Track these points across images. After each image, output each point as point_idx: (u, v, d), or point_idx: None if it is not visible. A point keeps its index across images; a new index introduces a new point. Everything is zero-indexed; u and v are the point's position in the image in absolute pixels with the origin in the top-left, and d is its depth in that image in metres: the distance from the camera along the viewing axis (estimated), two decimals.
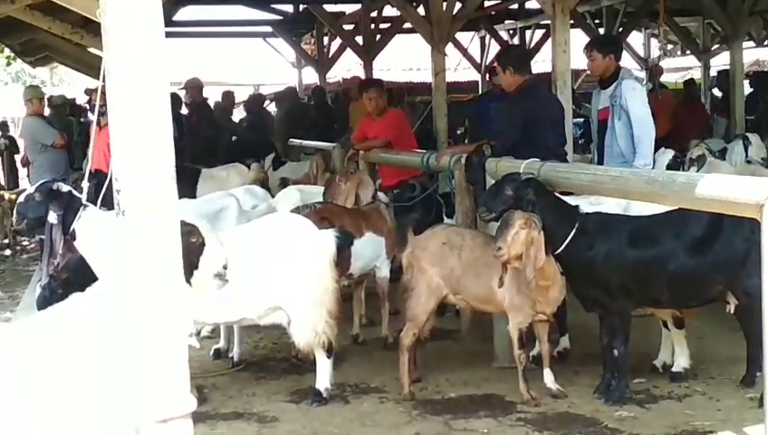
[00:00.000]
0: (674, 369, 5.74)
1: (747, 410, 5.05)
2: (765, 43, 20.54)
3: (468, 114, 12.41)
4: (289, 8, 17.64)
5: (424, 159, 7.46)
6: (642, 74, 18.28)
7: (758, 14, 17.01)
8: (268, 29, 18.63)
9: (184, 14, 16.56)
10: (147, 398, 2.66)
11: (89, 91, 12.09)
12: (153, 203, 2.65)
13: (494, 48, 19.83)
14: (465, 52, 19.30)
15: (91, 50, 11.32)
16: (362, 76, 15.50)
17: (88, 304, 3.18)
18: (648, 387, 5.58)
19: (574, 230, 5.30)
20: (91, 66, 11.40)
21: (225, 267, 4.18)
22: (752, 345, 5.25)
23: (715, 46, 18.46)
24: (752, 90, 15.30)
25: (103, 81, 2.70)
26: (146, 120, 2.64)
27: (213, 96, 15.30)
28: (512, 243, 5.03)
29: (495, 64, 7.34)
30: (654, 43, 21.56)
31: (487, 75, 14.23)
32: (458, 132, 13.93)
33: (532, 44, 18.85)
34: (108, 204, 4.58)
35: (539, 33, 18.83)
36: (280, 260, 5.33)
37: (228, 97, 14.71)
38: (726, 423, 4.92)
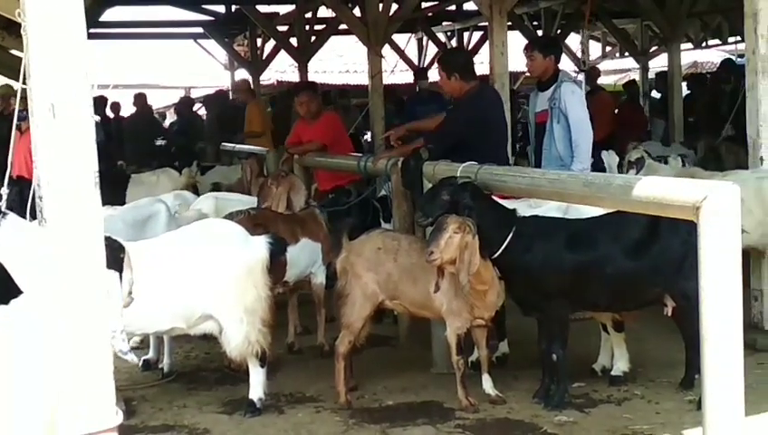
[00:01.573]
0: (613, 372, 5.72)
1: (686, 412, 5.05)
2: (703, 45, 20.87)
3: (395, 118, 12.34)
4: (221, 9, 17.43)
5: (360, 163, 7.38)
6: (580, 76, 18.42)
7: (696, 17, 17.28)
8: (199, 30, 18.42)
9: (111, 14, 16.25)
10: (71, 412, 2.57)
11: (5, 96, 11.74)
12: (76, 210, 2.57)
13: (432, 50, 19.87)
14: (402, 53, 19.25)
15: (14, 52, 11.04)
16: (297, 78, 15.42)
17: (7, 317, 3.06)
18: (587, 391, 5.56)
19: (511, 234, 5.26)
20: (13, 68, 11.10)
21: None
22: (690, 348, 5.25)
23: (654, 48, 18.70)
24: (689, 92, 15.48)
25: (24, 83, 2.60)
26: (68, 125, 2.55)
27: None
28: (445, 247, 4.95)
29: (437, 67, 7.24)
30: (593, 44, 21.79)
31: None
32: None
33: (470, 46, 18.89)
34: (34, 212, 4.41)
35: (477, 34, 18.88)
36: (210, 268, 5.18)
37: (140, 99, 14.50)
38: (665, 426, 4.90)
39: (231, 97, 16.82)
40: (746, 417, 3.65)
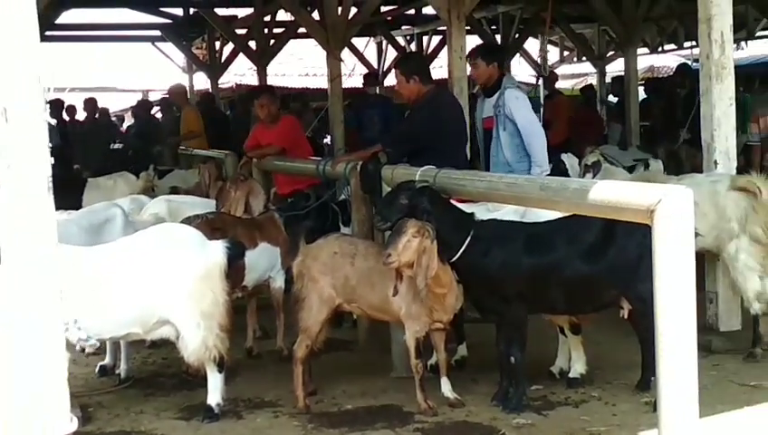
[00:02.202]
0: (570, 375, 5.75)
1: (642, 414, 5.08)
2: (659, 49, 21.08)
3: (345, 122, 12.30)
4: (179, 12, 17.31)
5: (319, 167, 7.35)
6: (538, 80, 18.53)
7: (652, 21, 17.43)
8: (157, 33, 18.28)
9: (68, 17, 16.07)
10: (23, 419, 2.51)
11: None
12: (29, 215, 2.51)
13: (392, 54, 19.88)
14: (361, 57, 19.26)
15: None
16: (255, 82, 15.36)
17: None
18: (545, 393, 5.58)
19: (469, 238, 5.27)
20: None
21: None
22: (646, 350, 5.29)
23: (611, 53, 18.85)
24: (646, 96, 15.62)
25: None
26: (21, 129, 2.50)
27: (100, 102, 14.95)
28: (403, 251, 4.96)
29: (395, 71, 7.25)
30: (551, 49, 21.90)
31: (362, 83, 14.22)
32: None
33: (430, 50, 18.94)
34: None
35: (436, 39, 18.92)
36: (167, 272, 5.15)
37: (90, 104, 14.37)
38: (622, 428, 4.93)
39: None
40: (701, 418, 3.69)
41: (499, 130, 6.86)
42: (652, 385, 4.88)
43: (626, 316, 5.36)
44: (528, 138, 6.74)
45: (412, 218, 5.13)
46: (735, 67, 6.67)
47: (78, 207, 7.40)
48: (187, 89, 12.42)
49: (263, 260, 6.55)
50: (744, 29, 16.68)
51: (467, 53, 7.31)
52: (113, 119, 17.76)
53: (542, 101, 10.03)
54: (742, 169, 6.88)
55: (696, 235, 4.11)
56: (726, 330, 6.62)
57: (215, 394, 5.36)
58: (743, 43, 18.73)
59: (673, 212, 3.56)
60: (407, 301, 5.27)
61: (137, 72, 23.45)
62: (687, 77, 12.34)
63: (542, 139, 6.86)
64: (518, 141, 6.80)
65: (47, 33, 15.34)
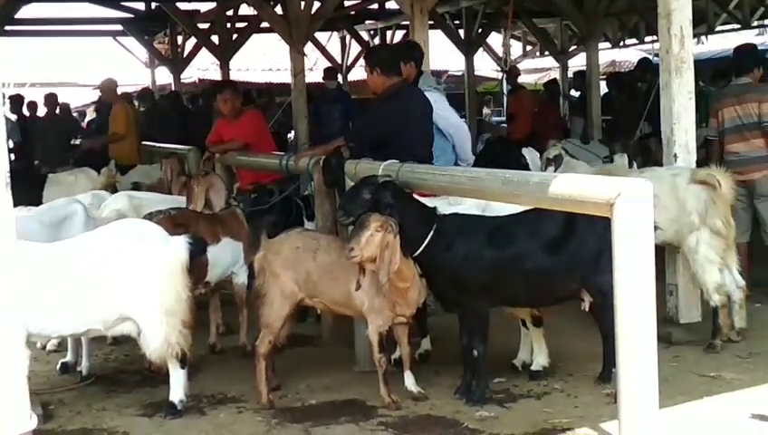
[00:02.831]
0: (533, 367, 5.78)
1: (604, 405, 5.12)
2: (621, 44, 21.23)
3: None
4: (141, 6, 17.19)
5: (282, 162, 7.33)
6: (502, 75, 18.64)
7: (613, 16, 17.57)
8: (119, 27, 18.14)
9: (29, 11, 15.90)
10: None
11: None
12: None
13: (355, 49, 19.88)
14: (324, 51, 19.24)
15: None
16: (219, 77, 15.29)
17: None
18: (507, 386, 5.61)
19: (432, 232, 5.28)
20: None
21: None
22: (607, 342, 5.33)
23: (573, 47, 18.97)
24: (607, 90, 15.74)
25: None
26: None
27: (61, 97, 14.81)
28: (366, 245, 4.97)
29: (364, 63, 7.24)
30: (513, 44, 22.01)
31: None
32: None
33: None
34: None
35: (400, 33, 18.94)
36: (128, 268, 5.11)
37: (50, 99, 14.24)
38: (584, 419, 4.97)
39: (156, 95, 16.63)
40: (661, 409, 3.73)
41: None
42: (613, 377, 4.90)
43: (587, 309, 5.40)
44: (459, 140, 6.92)
45: (375, 213, 5.14)
46: (696, 61, 6.74)
47: (38, 203, 7.33)
48: (115, 83, 12.07)
49: (225, 255, 6.52)
50: (704, 24, 16.84)
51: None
52: (74, 114, 17.60)
53: (504, 96, 10.10)
54: (702, 163, 6.95)
55: (656, 228, 4.16)
56: (687, 322, 6.68)
57: (177, 391, 5.33)
58: (703, 38, 18.92)
59: (632, 205, 3.61)
60: (369, 295, 5.27)
61: (98, 67, 23.23)
62: (648, 71, 12.44)
63: (466, 133, 6.99)
64: (443, 139, 6.89)
65: (7, 27, 15.20)
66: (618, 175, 6.01)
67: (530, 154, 8.49)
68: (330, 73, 14.34)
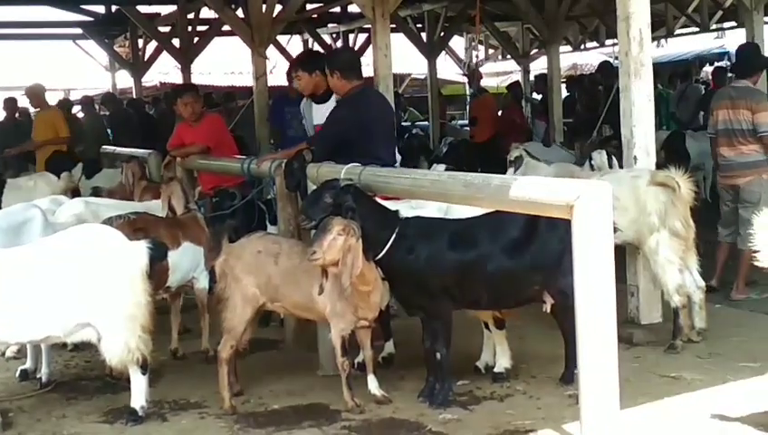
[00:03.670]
0: (496, 369, 5.80)
1: (566, 407, 5.14)
2: (582, 47, 21.41)
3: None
4: (100, 9, 17.04)
5: (244, 166, 7.30)
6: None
7: (574, 19, 17.70)
8: (78, 31, 17.98)
9: None
10: None
11: None
12: None
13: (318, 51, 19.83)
14: (287, 55, 19.18)
15: None
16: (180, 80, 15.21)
17: None
18: (471, 389, 5.63)
19: (394, 235, 5.29)
20: None
21: None
22: (569, 344, 5.36)
23: (534, 51, 19.09)
24: (569, 93, 15.86)
25: None
26: None
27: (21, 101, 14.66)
28: (328, 248, 4.96)
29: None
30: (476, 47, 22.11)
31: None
32: None
33: (356, 48, 18.94)
34: None
35: (362, 36, 18.94)
36: (87, 274, 5.07)
37: (10, 103, 14.09)
38: (546, 421, 5.00)
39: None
40: (622, 410, 3.77)
41: None
42: (575, 378, 4.93)
43: (548, 311, 5.43)
44: None
45: (338, 217, 5.13)
46: (655, 64, 6.80)
47: None
48: (43, 89, 11.90)
49: (186, 260, 6.48)
50: (663, 27, 17.03)
51: (291, 66, 7.41)
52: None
53: (467, 99, 10.16)
54: (661, 164, 7.02)
55: (615, 229, 4.19)
56: (647, 322, 6.74)
57: (139, 397, 5.30)
58: (662, 41, 19.13)
59: (591, 207, 3.65)
60: (332, 299, 5.27)
61: (58, 70, 23.04)
62: (609, 74, 12.55)
63: None
64: None
65: None
66: (579, 177, 6.07)
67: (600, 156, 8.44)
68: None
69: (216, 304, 5.63)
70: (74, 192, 8.71)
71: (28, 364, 6.28)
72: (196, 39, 16.03)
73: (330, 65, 6.67)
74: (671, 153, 10.17)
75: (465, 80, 20.20)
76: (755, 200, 7.22)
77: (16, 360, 6.57)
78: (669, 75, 16.42)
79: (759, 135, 7.26)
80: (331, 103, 7.04)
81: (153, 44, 17.25)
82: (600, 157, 8.25)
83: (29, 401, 5.85)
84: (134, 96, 17.09)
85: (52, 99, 16.63)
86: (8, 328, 5.03)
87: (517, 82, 17.96)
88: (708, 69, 19.67)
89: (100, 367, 6.03)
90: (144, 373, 5.27)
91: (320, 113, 7.14)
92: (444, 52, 19.42)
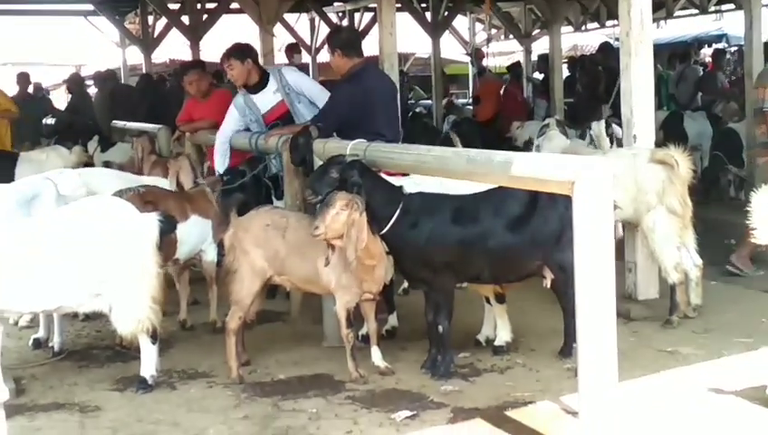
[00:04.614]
0: (496, 343, 5.89)
1: (565, 379, 5.22)
2: (583, 28, 21.36)
3: None
4: None
5: (252, 141, 7.37)
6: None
7: (576, 0, 17.69)
8: (89, 7, 17.96)
9: None
10: None
11: None
12: None
13: (324, 30, 19.83)
14: (294, 33, 19.20)
15: None
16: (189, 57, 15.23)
17: None
18: (471, 361, 5.71)
19: (398, 210, 5.37)
20: None
21: None
22: (567, 317, 5.44)
23: (536, 31, 19.07)
24: (570, 73, 15.90)
25: None
26: None
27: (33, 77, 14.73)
28: (331, 223, 5.05)
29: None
30: (479, 27, 22.08)
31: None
32: None
33: (362, 27, 18.94)
34: None
35: (368, 15, 18.94)
36: (99, 245, 5.15)
37: (23, 78, 14.15)
38: (545, 393, 5.08)
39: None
40: (619, 382, 3.86)
41: (295, 107, 7.26)
42: (574, 352, 5.03)
43: (548, 286, 5.51)
44: (321, 96, 7.16)
45: (342, 191, 5.22)
46: (655, 45, 6.87)
47: (10, 181, 7.33)
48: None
49: (194, 233, 6.58)
50: (663, 9, 17.02)
51: (223, 57, 7.53)
52: (47, 94, 17.48)
53: (470, 79, 10.23)
54: (660, 143, 7.10)
55: (615, 207, 4.28)
56: (645, 298, 6.82)
57: (148, 366, 5.40)
58: (662, 23, 19.11)
59: (592, 184, 3.70)
60: (337, 273, 5.35)
61: (70, 46, 23.05)
62: (609, 55, 12.62)
63: (327, 94, 7.16)
64: (315, 108, 7.13)
65: None
66: (580, 154, 6.15)
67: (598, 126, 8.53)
68: (293, 49, 14.32)
69: (225, 276, 5.71)
70: (87, 166, 8.79)
71: (41, 333, 6.40)
72: (204, 16, 16.05)
73: (333, 44, 6.77)
74: (669, 134, 10.22)
75: (469, 59, 20.17)
76: None
77: (29, 329, 6.66)
78: (668, 56, 16.46)
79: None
80: (269, 88, 7.30)
81: (163, 21, 17.24)
82: (598, 126, 8.31)
83: (41, 368, 5.95)
84: (144, 72, 17.10)
85: (64, 74, 16.73)
86: (22, 298, 5.10)
87: (518, 62, 17.97)
88: (707, 51, 19.71)
89: (110, 337, 6.13)
90: (154, 343, 5.37)
91: (262, 100, 7.37)
92: (447, 31, 19.41)
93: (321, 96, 7.21)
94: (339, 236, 5.10)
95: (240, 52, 7.42)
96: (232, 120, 7.57)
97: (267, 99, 7.34)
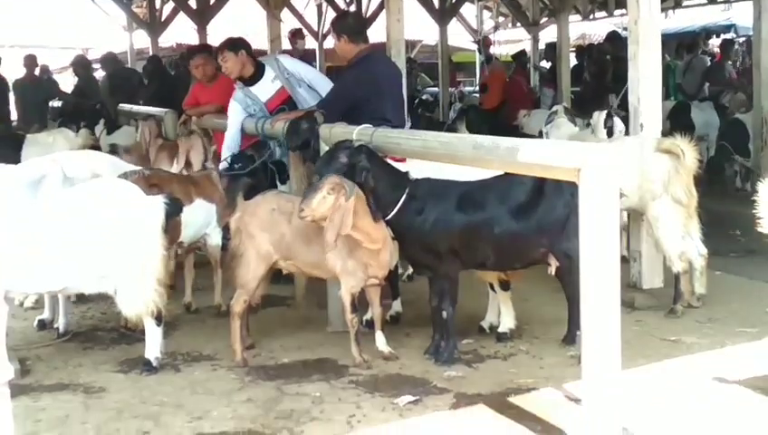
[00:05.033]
0: (500, 329, 5.90)
1: (568, 367, 5.23)
2: (591, 17, 21.30)
3: None
4: None
5: (258, 125, 7.37)
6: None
7: None
8: None
9: None
10: None
11: None
12: None
13: (331, 15, 19.80)
14: (301, 18, 19.18)
15: None
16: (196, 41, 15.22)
17: None
18: (475, 347, 5.73)
19: (405, 196, 5.38)
20: None
21: None
22: (572, 305, 5.43)
23: (544, 20, 19.03)
24: (577, 63, 15.87)
25: None
26: None
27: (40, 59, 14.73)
28: (317, 206, 5.08)
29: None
30: (487, 15, 22.04)
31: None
32: None
33: (369, 13, 18.90)
34: None
35: (375, 1, 18.90)
36: (106, 227, 5.17)
37: (29, 60, 14.16)
38: (549, 380, 5.08)
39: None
40: (623, 370, 3.87)
41: (297, 92, 7.31)
42: (578, 340, 5.03)
43: (553, 273, 5.50)
44: (319, 81, 7.29)
45: (333, 175, 5.22)
46: (663, 35, 6.86)
47: (16, 163, 7.33)
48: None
49: (198, 216, 6.59)
50: None
51: (217, 50, 7.62)
52: (53, 77, 17.47)
53: (477, 67, 10.21)
54: (667, 133, 7.09)
55: (621, 195, 4.27)
56: (649, 287, 6.84)
57: (153, 348, 5.43)
58: (670, 12, 19.06)
59: (599, 171, 3.69)
60: (342, 257, 5.37)
61: (76, 29, 23.03)
62: (617, 44, 12.59)
63: (325, 79, 7.30)
64: (315, 92, 7.22)
65: None
66: (586, 141, 6.14)
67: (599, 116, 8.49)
68: (297, 35, 14.31)
69: (230, 259, 5.73)
70: (93, 148, 8.79)
71: (46, 314, 6.42)
72: (212, 1, 16.04)
73: (338, 29, 6.76)
74: (676, 123, 10.21)
75: (476, 47, 20.14)
76: None
77: (34, 310, 6.69)
78: (676, 46, 16.43)
79: None
80: (267, 77, 7.35)
81: (170, 5, 17.23)
82: (598, 116, 8.29)
83: (46, 349, 5.98)
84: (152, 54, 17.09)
85: (71, 57, 16.73)
86: (28, 278, 5.12)
87: (523, 50, 17.95)
88: (715, 41, 19.65)
89: (115, 318, 6.18)
90: (159, 325, 5.39)
91: (262, 90, 7.41)
92: (455, 18, 19.38)
93: (321, 82, 7.30)
94: (325, 219, 5.12)
95: (233, 44, 7.49)
96: (236, 115, 7.57)
97: (266, 88, 7.39)
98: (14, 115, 14.73)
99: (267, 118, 7.27)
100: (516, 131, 11.46)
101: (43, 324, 6.40)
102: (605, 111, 8.35)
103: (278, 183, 7.28)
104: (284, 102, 7.33)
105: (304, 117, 6.46)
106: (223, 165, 7.06)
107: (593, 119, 8.37)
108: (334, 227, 5.10)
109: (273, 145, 7.28)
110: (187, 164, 6.98)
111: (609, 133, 8.03)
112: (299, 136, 6.39)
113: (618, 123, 7.99)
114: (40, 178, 6.36)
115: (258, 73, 7.41)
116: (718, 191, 10.82)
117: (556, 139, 8.03)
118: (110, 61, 15.17)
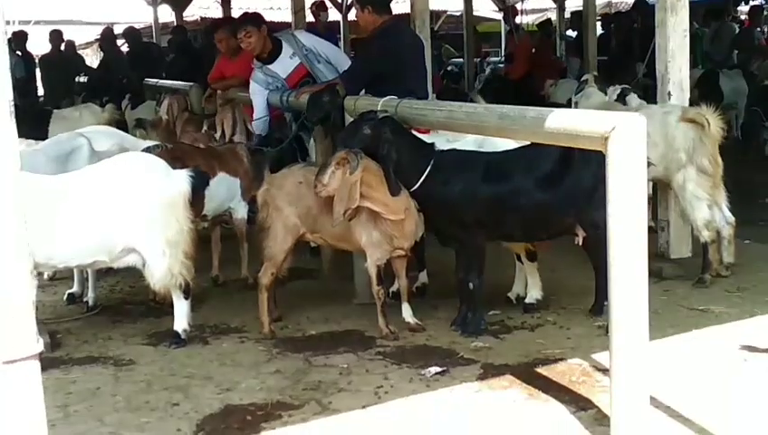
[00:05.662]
0: (527, 300, 5.89)
1: (595, 337, 5.22)
2: None
3: None
4: None
5: (283, 98, 7.37)
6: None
7: None
8: None
9: None
10: None
11: None
12: None
13: None
14: None
15: None
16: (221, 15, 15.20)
17: None
18: (502, 318, 5.73)
19: (430, 167, 5.36)
20: None
21: None
22: (599, 276, 5.42)
23: None
24: (603, 31, 15.72)
25: None
26: None
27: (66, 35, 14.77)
28: (329, 182, 5.09)
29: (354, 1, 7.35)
30: None
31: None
32: None
33: None
34: None
35: None
36: (133, 201, 5.21)
37: (55, 35, 14.20)
38: (576, 351, 5.07)
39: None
40: (651, 341, 3.84)
41: (315, 68, 7.37)
42: (605, 310, 5.01)
43: (580, 243, 5.48)
44: (337, 56, 7.37)
45: (344, 149, 5.22)
46: (691, 1, 6.77)
47: (44, 138, 7.39)
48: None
49: (221, 190, 6.62)
50: None
51: (238, 29, 7.64)
52: (78, 52, 17.54)
53: (502, 37, 10.14)
54: (695, 101, 7.02)
55: (649, 164, 4.23)
56: (677, 257, 6.82)
57: (181, 320, 5.46)
58: None
59: (626, 139, 3.64)
60: (367, 230, 5.37)
61: (102, 4, 23.06)
62: (644, 12, 12.45)
63: (342, 53, 7.44)
64: (332, 67, 7.29)
65: None
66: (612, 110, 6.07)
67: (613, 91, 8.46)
68: (320, 6, 14.26)
69: (258, 232, 5.74)
70: (119, 123, 8.84)
71: (75, 288, 6.49)
72: None
73: (361, 1, 6.73)
74: (704, 91, 10.10)
75: (501, 17, 19.98)
76: None
77: (64, 284, 6.75)
78: (704, 13, 16.20)
79: None
80: (285, 54, 7.41)
81: None
82: (613, 91, 8.22)
83: (76, 323, 6.04)
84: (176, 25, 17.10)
85: (96, 32, 16.75)
86: (57, 253, 5.17)
87: (548, 19, 17.80)
88: (743, 8, 19.36)
89: (143, 292, 6.21)
90: (187, 298, 5.43)
91: (282, 66, 7.45)
92: None
93: (339, 56, 7.40)
94: None
95: (254, 19, 7.54)
96: (259, 96, 7.58)
97: (286, 64, 7.43)
98: (40, 91, 14.84)
99: (292, 91, 7.26)
100: (543, 101, 11.39)
101: (72, 298, 6.46)
102: (619, 87, 8.28)
103: (298, 159, 7.28)
104: (303, 78, 7.34)
105: (326, 90, 6.45)
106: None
107: (608, 94, 8.30)
108: (341, 200, 5.10)
109: (289, 119, 7.29)
110: (223, 135, 7.02)
111: None
112: (320, 109, 6.38)
113: (632, 99, 7.90)
114: (68, 153, 6.43)
115: (276, 50, 7.42)
116: (749, 159, 10.72)
117: (586, 108, 7.95)
118: (129, 35, 15.21)
